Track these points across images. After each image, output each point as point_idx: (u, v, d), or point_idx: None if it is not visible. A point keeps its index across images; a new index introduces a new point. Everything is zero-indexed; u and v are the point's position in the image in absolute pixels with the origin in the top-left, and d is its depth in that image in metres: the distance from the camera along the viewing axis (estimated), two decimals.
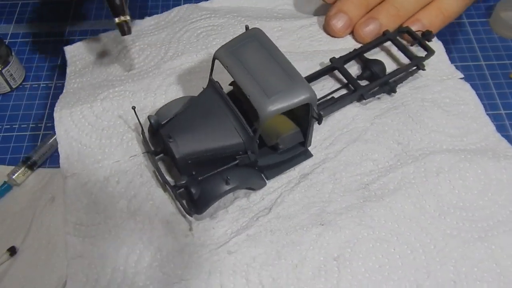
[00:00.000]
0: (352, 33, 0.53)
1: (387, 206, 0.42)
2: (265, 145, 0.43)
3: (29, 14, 0.63)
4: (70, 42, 0.59)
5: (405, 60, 0.51)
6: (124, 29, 0.45)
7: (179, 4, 0.60)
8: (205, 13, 0.57)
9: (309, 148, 0.45)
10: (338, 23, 0.52)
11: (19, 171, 0.47)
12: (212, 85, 0.42)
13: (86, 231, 0.42)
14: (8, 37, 0.61)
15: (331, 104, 0.46)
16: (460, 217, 0.42)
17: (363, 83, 0.49)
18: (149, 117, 0.43)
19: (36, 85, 0.56)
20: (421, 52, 0.50)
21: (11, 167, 0.48)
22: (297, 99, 0.37)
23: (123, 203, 0.43)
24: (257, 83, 0.37)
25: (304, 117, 0.41)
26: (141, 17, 0.58)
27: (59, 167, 0.45)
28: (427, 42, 0.50)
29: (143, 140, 0.45)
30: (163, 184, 0.42)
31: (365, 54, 0.51)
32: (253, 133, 0.39)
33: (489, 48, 0.58)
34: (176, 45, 0.53)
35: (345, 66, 0.50)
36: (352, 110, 0.47)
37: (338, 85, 0.49)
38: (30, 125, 0.53)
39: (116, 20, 0.45)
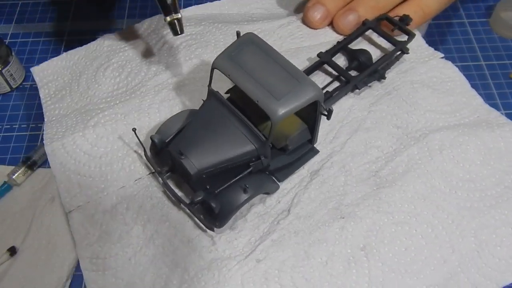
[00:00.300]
0: (331, 25, 0.54)
1: (400, 189, 0.42)
2: (273, 148, 0.42)
3: (29, 14, 0.63)
4: (70, 42, 0.59)
5: (387, 46, 0.52)
6: (177, 29, 0.44)
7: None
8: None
9: (314, 145, 0.45)
10: (316, 14, 0.52)
11: (19, 171, 0.47)
12: (213, 95, 0.41)
13: (105, 264, 0.40)
14: (8, 37, 0.61)
15: (328, 98, 0.47)
16: (469, 189, 0.43)
17: (352, 73, 0.49)
18: (151, 137, 0.41)
19: (36, 85, 0.54)
20: (401, 37, 0.51)
21: (11, 167, 0.47)
22: (306, 98, 0.37)
23: (137, 229, 0.41)
24: (263, 87, 0.37)
25: (310, 114, 0.41)
26: (139, 17, 0.57)
27: None
28: (406, 27, 0.51)
29: (146, 161, 0.44)
30: (177, 202, 0.41)
31: (349, 45, 0.51)
32: (265, 138, 0.39)
33: (489, 48, 0.58)
34: (158, 59, 0.52)
35: (334, 59, 0.50)
36: (348, 101, 0.48)
37: (329, 79, 0.50)
38: (30, 125, 0.52)
39: (168, 18, 0.43)
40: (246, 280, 0.38)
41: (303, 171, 0.44)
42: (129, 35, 0.55)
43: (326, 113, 0.39)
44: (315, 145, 0.45)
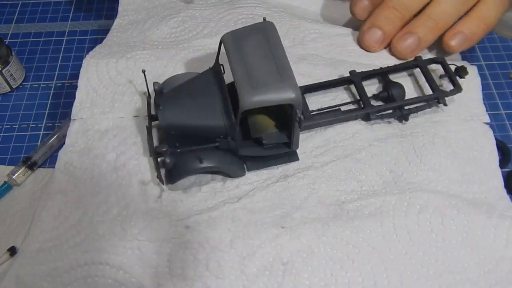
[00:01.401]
0: (388, 48, 0.52)
1: (355, 229, 0.40)
2: (250, 137, 0.43)
3: (29, 14, 0.64)
4: (70, 42, 0.60)
5: (430, 90, 0.48)
6: None
7: None
8: (254, 2, 0.58)
9: (298, 153, 0.45)
10: (372, 38, 0.50)
11: (19, 171, 0.48)
12: (216, 67, 0.43)
13: (73, 171, 0.45)
14: (8, 37, 0.61)
15: (334, 115, 0.45)
16: (427, 262, 0.39)
17: (378, 103, 0.47)
18: (154, 84, 0.45)
19: (36, 85, 0.57)
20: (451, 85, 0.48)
21: (11, 167, 0.48)
22: (280, 96, 0.37)
23: (112, 155, 0.45)
24: (247, 72, 0.38)
25: (291, 118, 0.41)
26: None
27: None
28: (457, 78, 0.47)
29: (147, 104, 0.47)
30: (150, 148, 0.44)
31: (390, 76, 0.49)
32: (235, 120, 0.40)
33: (489, 48, 0.58)
34: (214, 25, 0.55)
35: (367, 83, 0.49)
36: (355, 127, 0.46)
37: (350, 99, 0.48)
38: (30, 125, 0.53)
39: None
40: (167, 238, 0.40)
41: (276, 171, 0.44)
42: None
43: (298, 120, 0.39)
44: (299, 154, 0.45)
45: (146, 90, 0.47)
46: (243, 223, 0.41)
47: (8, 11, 0.65)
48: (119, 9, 0.58)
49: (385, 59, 0.52)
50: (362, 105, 0.46)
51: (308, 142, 0.45)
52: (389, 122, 0.47)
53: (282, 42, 0.41)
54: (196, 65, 0.51)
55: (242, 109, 0.38)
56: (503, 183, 0.44)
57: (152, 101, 0.47)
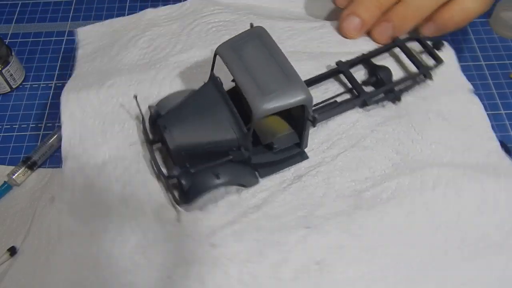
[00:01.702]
0: (366, 35, 0.53)
1: (377, 215, 0.41)
2: (260, 144, 0.43)
3: (29, 14, 0.63)
4: (70, 42, 0.60)
5: (414, 68, 0.50)
6: None
7: None
8: (218, 8, 0.57)
9: (306, 151, 0.45)
10: (350, 25, 0.52)
11: (19, 171, 0.47)
12: (213, 80, 0.42)
13: (79, 212, 0.43)
14: (8, 37, 0.61)
15: (332, 108, 0.46)
16: (451, 235, 0.41)
17: (368, 88, 0.48)
18: (149, 107, 0.43)
19: (36, 85, 0.56)
20: (432, 61, 0.49)
21: (11, 167, 0.48)
22: (292, 99, 0.37)
23: (117, 188, 0.43)
24: (254, 81, 0.38)
25: (301, 118, 0.41)
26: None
27: (59, 167, 0.45)
28: (436, 51, 0.49)
29: (143, 129, 0.46)
30: (157, 173, 0.43)
31: (373, 60, 0.50)
32: (247, 130, 0.39)
33: (489, 48, 0.59)
34: (186, 39, 0.54)
35: (352, 70, 0.49)
36: (354, 116, 0.47)
37: (342, 89, 0.49)
38: (30, 125, 0.53)
39: None
40: (194, 260, 0.39)
41: (288, 173, 0.44)
42: (169, 13, 0.57)
43: (311, 119, 0.39)
44: (307, 152, 0.45)
45: (138, 115, 0.46)
46: (268, 231, 0.40)
47: (8, 11, 0.64)
48: (78, 39, 0.56)
49: (362, 45, 0.52)
50: (357, 93, 0.47)
51: (313, 138, 0.45)
52: (383, 105, 0.48)
53: None
54: (180, 82, 0.49)
55: (256, 118, 0.37)
56: (499, 144, 0.46)
57: (147, 125, 0.45)
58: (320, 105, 0.46)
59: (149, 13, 0.57)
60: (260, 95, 0.37)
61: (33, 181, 0.48)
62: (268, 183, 0.44)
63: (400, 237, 0.40)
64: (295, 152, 0.43)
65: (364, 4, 0.51)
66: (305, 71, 0.49)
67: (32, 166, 0.48)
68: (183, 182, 0.39)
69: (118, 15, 0.62)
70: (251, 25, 0.42)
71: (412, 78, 0.48)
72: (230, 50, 0.40)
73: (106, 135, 0.47)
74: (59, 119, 0.50)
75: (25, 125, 0.53)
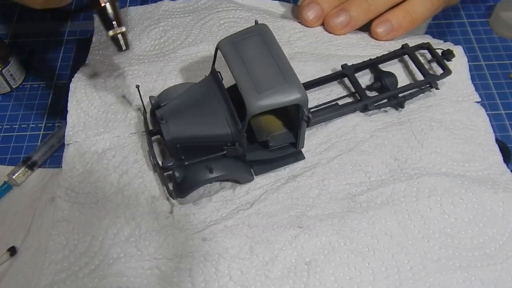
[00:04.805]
0: (323, 24, 0.54)
1: (370, 219, 0.41)
2: (255, 141, 0.43)
3: (29, 14, 0.63)
4: (70, 42, 0.59)
5: (421, 76, 0.49)
6: (120, 43, 0.38)
7: None
8: (233, 5, 0.58)
9: (303, 151, 0.45)
10: (310, 13, 0.53)
11: (19, 171, 0.47)
12: (214, 74, 0.43)
13: (75, 197, 0.43)
14: (8, 37, 0.61)
15: (333, 110, 0.46)
16: (444, 243, 0.40)
17: (372, 93, 0.48)
18: (150, 98, 0.44)
19: (36, 85, 0.56)
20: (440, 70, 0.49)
21: (11, 167, 0.48)
22: (287, 98, 0.37)
23: (114, 176, 0.44)
24: (251, 77, 0.38)
25: (296, 118, 0.41)
26: None
27: (59, 167, 0.45)
28: (445, 61, 0.48)
29: (144, 119, 0.46)
30: (154, 164, 0.44)
31: (381, 66, 0.50)
32: (241, 126, 0.39)
33: (489, 48, 0.58)
34: (197, 32, 0.54)
35: (359, 74, 0.49)
36: (354, 120, 0.47)
37: (345, 93, 0.48)
38: (30, 125, 0.53)
39: (110, 33, 0.38)
40: (185, 253, 0.39)
41: (283, 173, 0.44)
42: (184, 6, 0.58)
43: (306, 119, 0.39)
44: (304, 152, 0.45)
45: (141, 106, 0.46)
46: (260, 228, 0.41)
47: (8, 11, 0.64)
48: (95, 24, 0.57)
49: (372, 49, 0.52)
50: (359, 97, 0.47)
51: (311, 139, 0.45)
52: (386, 111, 0.48)
53: None
54: (187, 75, 0.50)
55: (250, 115, 0.37)
56: (502, 158, 0.45)
57: (148, 116, 0.46)
58: (321, 106, 0.46)
59: (166, 4, 0.58)
60: (255, 91, 0.37)
61: (33, 181, 0.47)
62: (263, 181, 0.44)
63: (392, 243, 0.40)
64: (291, 152, 0.43)
65: None
66: (311, 72, 0.50)
67: (32, 166, 0.48)
68: (176, 174, 0.40)
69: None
70: (256, 22, 0.42)
71: (417, 86, 0.47)
72: (230, 46, 0.40)
73: (109, 124, 0.47)
74: (59, 119, 0.52)
75: (25, 125, 0.53)
